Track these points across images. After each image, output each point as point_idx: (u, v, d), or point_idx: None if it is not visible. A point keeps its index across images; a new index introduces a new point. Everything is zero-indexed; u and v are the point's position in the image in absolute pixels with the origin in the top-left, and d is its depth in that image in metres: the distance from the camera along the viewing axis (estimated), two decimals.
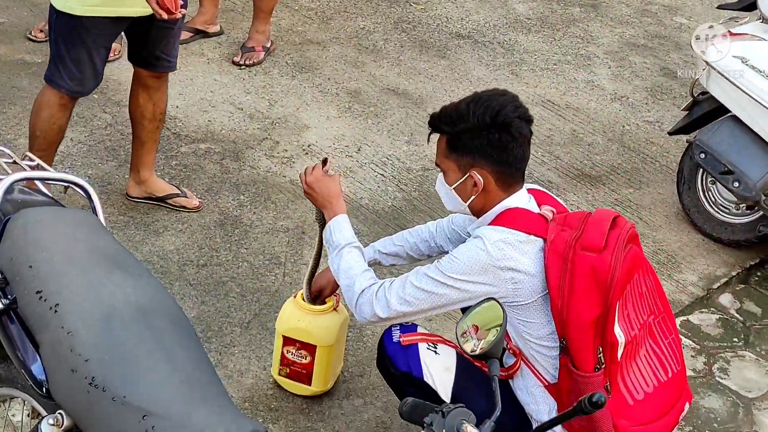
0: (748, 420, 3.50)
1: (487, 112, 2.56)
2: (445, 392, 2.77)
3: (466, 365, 2.81)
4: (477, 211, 2.68)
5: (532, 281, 2.55)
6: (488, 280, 2.54)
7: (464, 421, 1.77)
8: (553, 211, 2.66)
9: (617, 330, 2.54)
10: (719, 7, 4.93)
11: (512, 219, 2.60)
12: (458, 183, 2.65)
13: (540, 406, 2.66)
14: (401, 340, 2.82)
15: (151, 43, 3.68)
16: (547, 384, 2.65)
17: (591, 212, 2.65)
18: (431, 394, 2.75)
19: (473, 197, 2.65)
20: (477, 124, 2.57)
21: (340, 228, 2.83)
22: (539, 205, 2.69)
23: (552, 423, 1.67)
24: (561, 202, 2.83)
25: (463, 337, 1.97)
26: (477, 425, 1.78)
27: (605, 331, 2.51)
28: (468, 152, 2.61)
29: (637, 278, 2.63)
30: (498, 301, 1.97)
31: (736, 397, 3.59)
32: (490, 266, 2.54)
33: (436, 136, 2.71)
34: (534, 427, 2.68)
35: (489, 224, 2.64)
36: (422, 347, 2.79)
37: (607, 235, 2.53)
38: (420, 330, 2.88)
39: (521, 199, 2.66)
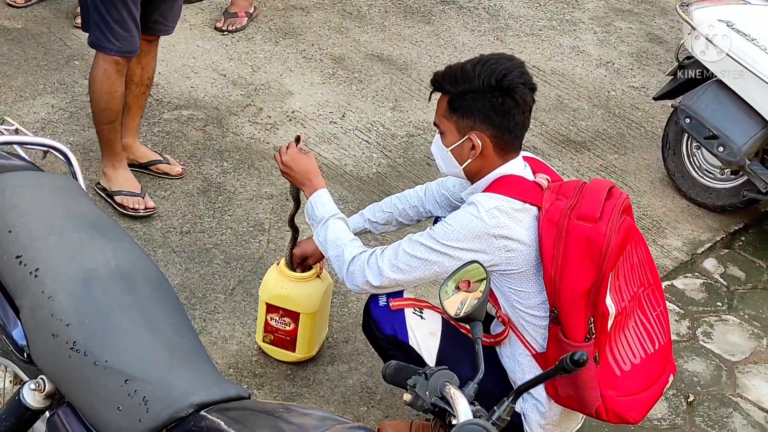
0: (732, 383, 3.52)
1: (493, 75, 2.52)
2: (430, 357, 2.77)
3: (451, 331, 2.81)
4: (472, 176, 2.66)
5: (525, 249, 2.54)
6: (482, 247, 2.53)
7: (447, 383, 1.77)
8: (548, 180, 2.63)
9: (608, 301, 2.54)
10: None
11: (507, 186, 2.58)
12: (456, 145, 2.61)
13: (525, 374, 2.66)
14: (390, 304, 2.81)
15: (154, 5, 3.62)
16: (534, 353, 2.64)
17: (586, 182, 2.63)
18: (416, 359, 2.75)
19: (470, 160, 2.61)
20: (481, 86, 2.53)
21: (322, 202, 2.81)
22: (534, 173, 2.67)
23: (534, 381, 1.67)
24: (555, 171, 2.81)
25: (446, 299, 1.96)
26: (460, 387, 1.77)
27: (597, 302, 2.51)
28: (469, 114, 2.57)
29: (630, 249, 2.63)
30: (481, 263, 1.96)
31: (720, 360, 3.61)
32: (484, 233, 2.52)
33: (437, 96, 2.66)
34: None
35: (484, 191, 2.62)
36: (408, 312, 2.78)
37: (603, 205, 2.51)
38: (407, 295, 2.87)
39: (517, 166, 2.64)
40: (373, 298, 2.89)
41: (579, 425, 2.87)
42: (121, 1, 3.42)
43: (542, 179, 2.63)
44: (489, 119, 2.56)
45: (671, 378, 2.81)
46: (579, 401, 2.60)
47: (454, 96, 2.58)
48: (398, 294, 2.88)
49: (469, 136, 2.58)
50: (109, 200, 3.81)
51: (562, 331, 2.54)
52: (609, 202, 2.54)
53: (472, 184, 2.68)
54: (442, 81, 2.62)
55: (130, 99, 3.83)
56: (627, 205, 2.62)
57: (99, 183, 3.86)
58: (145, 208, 3.80)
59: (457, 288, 1.96)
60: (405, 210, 3.05)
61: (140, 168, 4.01)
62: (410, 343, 2.74)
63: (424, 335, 2.77)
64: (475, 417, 1.69)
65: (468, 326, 1.96)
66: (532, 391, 2.65)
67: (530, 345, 2.65)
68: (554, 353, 2.58)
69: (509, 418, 1.66)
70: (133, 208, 3.78)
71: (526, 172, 2.65)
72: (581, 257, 2.48)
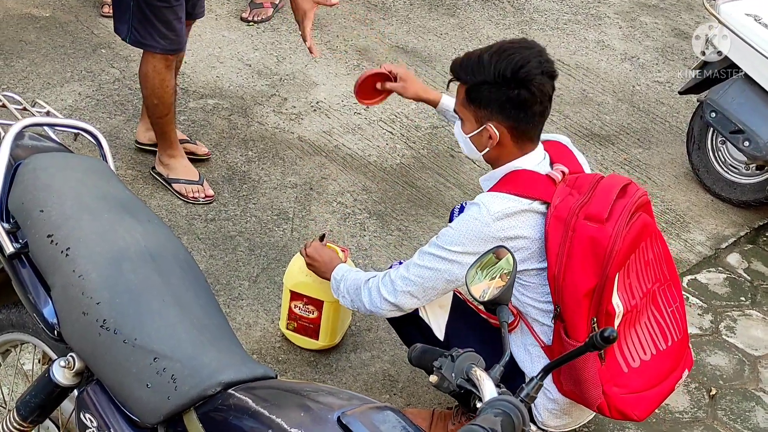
0: (754, 377, 3.51)
1: (509, 67, 2.48)
2: (439, 329, 2.79)
3: (460, 306, 2.83)
4: (492, 161, 2.66)
5: (532, 245, 2.53)
6: (488, 248, 2.48)
7: (473, 365, 1.77)
8: (564, 172, 2.60)
9: (615, 300, 2.52)
10: None
11: (517, 183, 2.56)
12: (474, 133, 2.60)
13: (535, 365, 2.66)
14: None
15: None
16: (543, 345, 2.64)
17: (603, 176, 2.60)
18: (426, 331, 2.78)
19: (488, 149, 2.61)
20: (497, 77, 2.49)
21: (341, 268, 2.85)
22: (553, 163, 2.65)
23: (563, 360, 1.67)
24: (579, 158, 2.76)
25: (472, 284, 1.97)
26: (486, 370, 1.77)
27: (601, 302, 2.49)
28: (485, 105, 2.54)
29: (644, 246, 2.60)
30: (508, 249, 1.96)
31: (743, 355, 3.60)
32: (489, 237, 2.50)
33: (454, 84, 2.65)
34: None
35: (493, 187, 2.61)
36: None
37: (614, 204, 2.48)
38: None
39: (535, 159, 2.61)
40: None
41: (592, 415, 2.87)
42: (167, 8, 3.42)
43: (557, 171, 2.59)
44: (505, 111, 2.53)
45: (685, 373, 2.78)
46: (581, 397, 2.60)
47: (471, 86, 2.56)
48: None
49: (485, 126, 2.57)
50: (167, 185, 3.86)
51: (564, 329, 2.53)
52: (621, 201, 2.50)
53: (492, 168, 2.68)
54: (459, 70, 2.59)
55: None
56: (643, 202, 2.57)
57: (155, 168, 3.91)
58: (205, 197, 3.86)
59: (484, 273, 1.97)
60: None
61: None
62: (420, 315, 2.76)
63: (434, 308, 2.78)
64: None
65: (493, 310, 1.96)
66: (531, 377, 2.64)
67: (539, 337, 2.64)
68: (558, 349, 2.57)
69: (537, 396, 1.67)
70: (192, 197, 3.85)
71: (543, 165, 2.62)
72: (585, 258, 2.46)
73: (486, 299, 1.93)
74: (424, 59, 5.06)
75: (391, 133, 4.49)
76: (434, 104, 3.08)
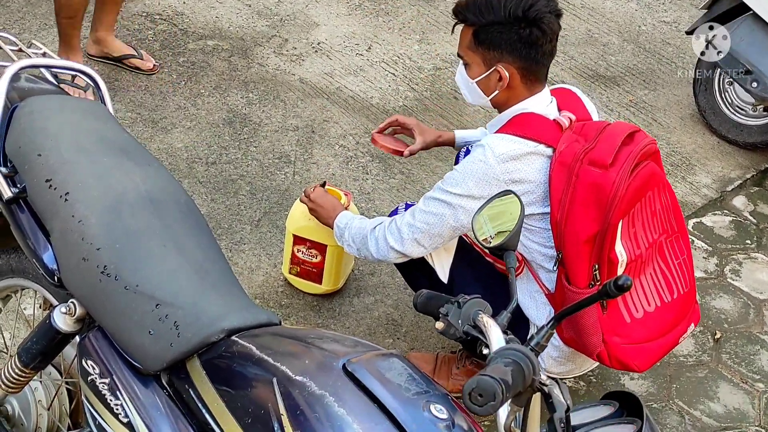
0: (759, 320, 3.50)
1: (520, 6, 2.44)
2: (443, 271, 2.77)
3: (465, 249, 2.81)
4: (499, 106, 2.61)
5: (536, 189, 2.49)
6: (492, 191, 2.45)
7: (480, 311, 1.74)
8: (570, 118, 2.56)
9: (618, 248, 2.49)
10: None
11: (524, 125, 2.52)
12: (482, 77, 2.55)
13: (540, 311, 2.65)
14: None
15: None
16: (547, 292, 2.62)
17: (610, 123, 2.56)
18: (430, 274, 2.77)
19: (497, 92, 2.56)
20: (508, 17, 2.45)
21: (344, 216, 2.83)
22: (561, 109, 2.60)
23: (576, 307, 1.64)
24: (588, 105, 2.73)
25: (479, 229, 1.93)
26: (493, 316, 1.75)
27: (603, 249, 2.46)
28: (496, 46, 2.50)
29: (651, 196, 2.56)
30: (515, 194, 1.92)
31: (747, 298, 3.58)
32: (493, 179, 2.47)
33: (459, 27, 2.59)
34: (531, 328, 2.68)
35: (499, 129, 2.56)
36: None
37: (618, 150, 2.44)
38: None
39: (542, 101, 2.57)
40: (393, 212, 2.92)
41: (596, 363, 2.86)
42: None
43: (564, 118, 2.55)
44: (516, 51, 2.49)
45: (691, 328, 2.74)
46: (581, 345, 2.58)
47: (480, 28, 2.50)
48: None
49: (496, 68, 2.52)
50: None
51: (565, 275, 2.51)
52: (626, 148, 2.46)
53: (499, 112, 2.63)
54: (465, 12, 2.53)
55: None
56: (651, 150, 2.53)
57: None
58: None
59: (491, 218, 1.93)
60: None
61: (113, 61, 4.14)
62: (425, 258, 2.74)
63: (439, 251, 2.76)
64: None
65: (500, 255, 1.93)
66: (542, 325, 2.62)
67: (543, 284, 2.62)
68: (560, 296, 2.56)
69: (547, 344, 1.64)
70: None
71: (550, 109, 2.58)
72: (587, 203, 2.43)
73: (493, 244, 1.90)
74: None
75: (393, 74, 4.42)
76: (452, 144, 3.05)
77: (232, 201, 3.62)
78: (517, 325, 2.65)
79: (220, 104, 4.07)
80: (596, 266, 2.48)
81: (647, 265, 2.63)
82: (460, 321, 1.76)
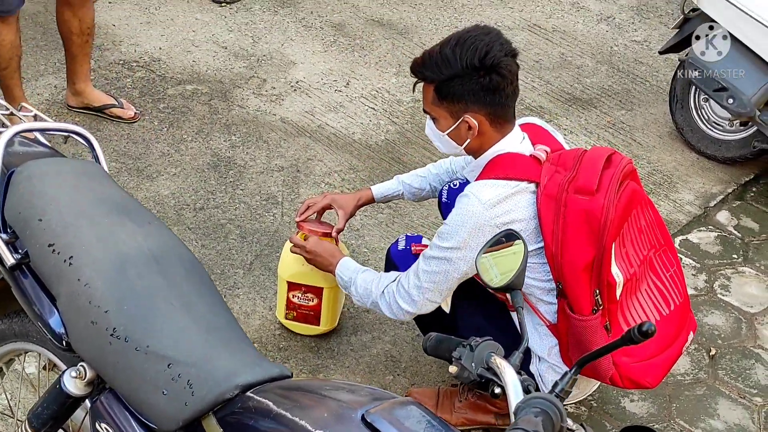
0: (752, 335, 3.54)
1: (476, 55, 2.47)
2: (446, 303, 2.81)
3: (467, 281, 2.82)
4: (474, 152, 2.64)
5: (528, 227, 2.52)
6: (487, 237, 2.45)
7: (493, 354, 1.76)
8: (546, 151, 2.60)
9: (615, 270, 2.52)
10: None
11: (503, 167, 2.55)
12: (452, 129, 2.58)
13: (543, 342, 2.67)
14: (413, 248, 2.90)
15: None
16: (548, 324, 2.64)
17: (586, 150, 2.60)
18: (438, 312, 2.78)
19: (468, 140, 2.59)
20: (466, 68, 2.48)
21: (347, 267, 2.84)
22: (534, 144, 2.64)
23: (599, 353, 1.66)
24: (555, 135, 2.77)
25: (484, 268, 1.95)
26: (505, 357, 1.77)
27: (601, 273, 2.49)
28: (459, 99, 2.52)
29: (635, 214, 2.61)
30: (518, 234, 1.95)
31: (739, 313, 3.63)
32: (486, 226, 2.49)
33: (421, 84, 2.61)
34: (533, 358, 2.70)
35: (479, 176, 2.59)
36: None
37: (601, 175, 2.48)
38: (425, 241, 2.94)
39: (515, 140, 2.60)
40: (394, 245, 2.98)
41: (597, 385, 2.89)
42: None
43: (540, 151, 2.59)
44: (480, 99, 2.52)
45: (691, 335, 2.80)
46: (592, 370, 2.60)
47: (440, 83, 2.53)
48: (418, 238, 2.97)
49: (463, 119, 2.55)
50: None
51: (568, 304, 2.54)
52: (608, 172, 2.50)
53: (475, 158, 2.66)
54: (423, 70, 2.56)
55: (74, 49, 3.98)
56: (629, 170, 2.58)
57: None
58: None
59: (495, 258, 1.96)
60: (439, 175, 3.06)
61: (94, 112, 4.14)
62: None
63: None
64: (523, 386, 1.69)
65: (506, 294, 1.95)
66: (547, 356, 2.66)
67: (544, 316, 2.64)
68: (564, 326, 2.58)
69: (572, 390, 1.66)
70: None
71: (525, 145, 2.61)
72: (580, 231, 2.46)
73: (498, 285, 1.92)
74: (400, 31, 5.02)
75: (373, 109, 4.45)
76: (371, 201, 3.10)
77: (223, 246, 3.63)
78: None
79: (203, 148, 4.08)
80: (597, 291, 2.52)
81: (641, 282, 2.67)
82: (473, 364, 1.78)
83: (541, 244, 2.52)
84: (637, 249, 2.64)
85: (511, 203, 2.51)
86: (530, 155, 2.58)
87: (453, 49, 2.49)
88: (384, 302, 2.71)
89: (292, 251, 3.01)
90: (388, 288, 2.70)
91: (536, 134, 2.70)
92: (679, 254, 3.79)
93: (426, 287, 2.62)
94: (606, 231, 2.45)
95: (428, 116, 2.64)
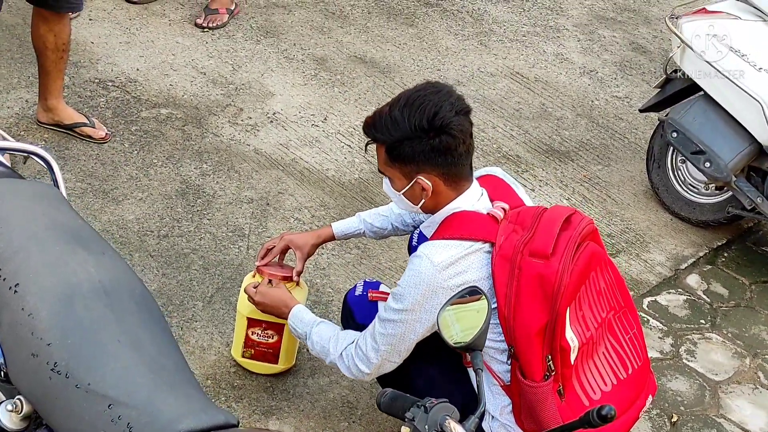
0: (715, 403, 3.49)
1: (424, 117, 2.40)
2: None
3: None
4: (430, 210, 2.59)
5: (482, 287, 2.44)
6: (440, 299, 2.41)
7: (447, 417, 1.70)
8: (504, 209, 2.55)
9: (569, 335, 2.46)
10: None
11: (458, 226, 2.50)
12: (406, 189, 2.53)
13: (497, 401, 2.60)
14: (369, 295, 2.85)
15: None
16: (503, 384, 2.58)
17: (546, 208, 2.55)
18: None
19: (423, 200, 2.54)
20: (415, 130, 2.41)
21: (300, 318, 2.80)
22: (492, 200, 2.59)
23: None
24: (516, 189, 2.72)
25: (445, 327, 1.89)
26: (460, 421, 1.70)
27: (554, 339, 2.43)
28: (410, 160, 2.46)
29: (594, 276, 2.55)
30: (481, 290, 1.89)
31: (703, 380, 3.58)
32: (438, 288, 2.44)
33: (374, 145, 2.56)
34: (486, 416, 2.63)
35: (434, 234, 2.54)
36: (382, 304, 2.72)
37: (558, 237, 2.43)
38: (383, 288, 2.90)
39: (472, 197, 2.55)
40: (351, 290, 2.93)
41: None
42: None
43: (498, 209, 2.54)
44: (432, 160, 2.46)
45: (650, 399, 2.73)
46: None
47: (390, 145, 2.48)
48: (376, 285, 2.92)
49: (416, 180, 2.49)
50: None
51: (520, 369, 2.48)
52: (565, 234, 2.44)
53: (432, 215, 2.60)
54: (374, 131, 2.51)
55: (48, 65, 3.92)
56: (588, 231, 2.52)
57: None
58: None
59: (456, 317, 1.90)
60: (401, 215, 3.00)
61: (65, 129, 4.06)
62: None
63: None
64: None
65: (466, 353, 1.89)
66: (500, 415, 2.58)
67: (498, 376, 2.58)
68: (516, 389, 2.52)
69: None
70: None
71: (482, 202, 2.56)
72: (534, 295, 2.40)
73: (460, 344, 1.86)
74: (382, 70, 4.98)
75: (349, 146, 4.40)
76: (331, 239, 3.06)
77: (184, 276, 3.54)
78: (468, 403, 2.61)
79: (173, 175, 4.01)
80: (549, 356, 2.45)
81: (599, 344, 2.61)
82: (426, 426, 1.72)
83: (495, 305, 2.46)
84: (595, 311, 2.58)
85: (465, 264, 2.45)
86: (487, 213, 2.53)
87: (401, 110, 2.44)
88: (343, 365, 2.66)
89: (246, 291, 2.96)
90: (347, 351, 2.64)
91: (496, 188, 2.65)
92: (646, 316, 3.78)
93: (383, 350, 2.56)
94: (560, 296, 2.39)
95: (383, 175, 2.59)
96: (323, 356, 2.71)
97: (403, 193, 2.55)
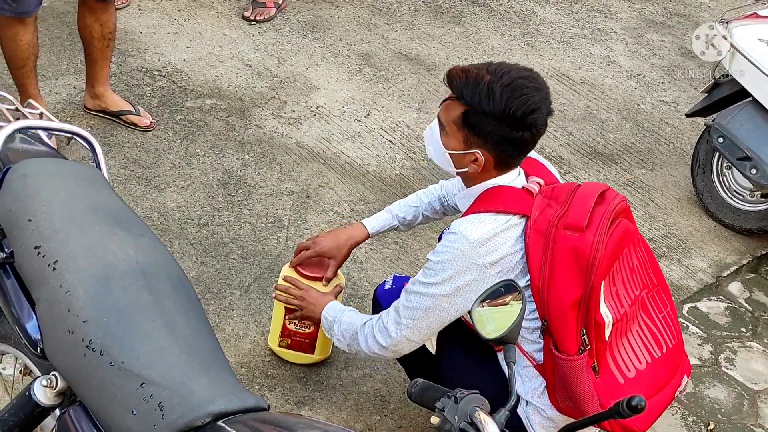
0: (753, 413, 3.43)
1: (521, 109, 2.36)
2: (430, 343, 2.74)
3: (453, 322, 2.74)
4: (464, 179, 2.56)
5: (514, 261, 2.44)
6: (474, 277, 2.41)
7: (477, 408, 1.69)
8: (539, 183, 2.53)
9: (603, 309, 2.43)
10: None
11: (495, 200, 2.47)
12: (457, 153, 2.48)
13: (527, 385, 2.58)
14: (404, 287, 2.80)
15: None
16: (536, 364, 2.56)
17: (580, 184, 2.52)
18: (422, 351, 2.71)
19: (466, 170, 2.50)
20: (505, 114, 2.37)
21: (332, 308, 2.78)
22: (528, 176, 2.57)
23: (582, 423, 1.58)
24: (551, 168, 2.69)
25: (478, 320, 1.88)
26: (491, 413, 1.69)
27: (589, 312, 2.40)
28: (482, 134, 2.42)
29: (627, 253, 2.52)
30: (516, 284, 1.88)
31: (742, 388, 3.52)
32: (472, 264, 2.41)
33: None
34: (521, 402, 2.61)
35: (471, 207, 2.51)
36: (411, 279, 2.69)
37: (592, 212, 2.40)
38: None
39: (511, 175, 2.53)
40: (381, 285, 2.92)
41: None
42: None
43: (533, 184, 2.52)
44: (500, 145, 2.43)
45: (685, 380, 2.68)
46: (579, 413, 2.50)
47: (472, 111, 2.41)
48: (406, 279, 2.89)
49: (474, 152, 2.45)
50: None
51: (553, 343, 2.45)
52: (599, 208, 2.42)
53: (464, 184, 2.58)
54: (464, 88, 2.40)
55: (95, 53, 3.97)
56: (622, 207, 2.50)
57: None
58: None
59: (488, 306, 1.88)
60: (431, 203, 2.99)
61: (111, 116, 4.10)
62: None
63: None
64: None
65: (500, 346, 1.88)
66: (532, 398, 2.56)
67: (531, 356, 2.56)
68: (550, 366, 2.49)
69: None
70: None
71: (519, 180, 2.54)
72: (568, 268, 2.37)
73: (492, 337, 1.85)
74: (427, 67, 4.97)
75: (391, 142, 4.39)
76: (366, 238, 3.02)
77: (223, 265, 3.56)
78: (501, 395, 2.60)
79: (215, 165, 4.03)
80: (584, 330, 2.43)
81: (632, 322, 2.58)
82: (456, 417, 1.71)
83: (527, 281, 2.44)
84: (628, 288, 2.55)
85: (500, 240, 2.43)
86: (522, 188, 2.51)
87: (503, 89, 2.36)
88: (362, 336, 2.62)
89: (276, 298, 2.98)
90: (369, 322, 2.62)
91: (531, 167, 2.63)
92: (686, 322, 3.74)
93: (404, 323, 2.52)
94: (594, 269, 2.37)
95: (437, 123, 2.52)
96: (346, 334, 2.67)
97: (451, 153, 2.51)
